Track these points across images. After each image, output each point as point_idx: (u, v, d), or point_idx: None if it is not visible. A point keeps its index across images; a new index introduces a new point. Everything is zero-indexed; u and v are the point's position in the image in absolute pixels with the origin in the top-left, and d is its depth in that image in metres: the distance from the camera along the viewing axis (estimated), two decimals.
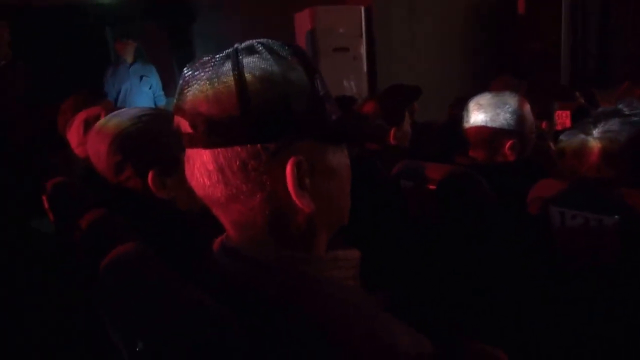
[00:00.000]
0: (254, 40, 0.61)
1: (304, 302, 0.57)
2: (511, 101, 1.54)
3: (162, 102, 4.45)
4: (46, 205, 1.32)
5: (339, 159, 0.64)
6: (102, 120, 1.14)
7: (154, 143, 1.05)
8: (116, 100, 4.26)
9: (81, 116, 1.72)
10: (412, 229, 1.44)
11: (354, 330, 0.55)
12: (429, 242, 1.38)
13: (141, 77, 4.41)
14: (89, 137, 1.15)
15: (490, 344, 0.72)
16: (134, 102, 4.30)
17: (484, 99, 1.57)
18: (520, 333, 1.15)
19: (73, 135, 1.72)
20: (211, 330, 0.54)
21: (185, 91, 0.60)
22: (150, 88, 4.47)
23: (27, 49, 3.36)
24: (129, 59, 4.39)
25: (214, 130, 0.57)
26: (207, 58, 0.61)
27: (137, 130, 1.08)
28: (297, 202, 0.59)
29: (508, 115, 1.52)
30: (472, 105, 1.58)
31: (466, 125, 1.59)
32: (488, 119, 1.53)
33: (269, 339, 0.53)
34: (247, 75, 0.57)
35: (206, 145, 0.58)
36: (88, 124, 1.67)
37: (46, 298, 1.07)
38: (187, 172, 0.63)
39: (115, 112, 1.15)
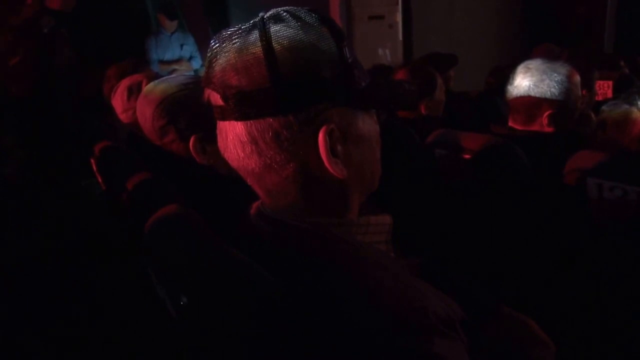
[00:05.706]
0: (280, 9, 0.60)
1: (340, 264, 0.59)
2: (561, 70, 1.49)
3: (198, 64, 4.52)
4: (94, 167, 1.38)
5: (369, 125, 0.64)
6: (150, 85, 1.18)
7: (197, 110, 1.08)
8: None
9: (124, 83, 1.75)
10: (445, 197, 1.44)
11: (386, 292, 0.55)
12: (462, 209, 1.38)
13: (182, 46, 4.51)
14: (138, 101, 1.19)
15: (523, 311, 0.73)
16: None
17: (534, 63, 1.52)
18: (553, 301, 1.15)
19: (117, 101, 1.76)
20: (253, 287, 0.56)
21: (214, 63, 0.60)
22: (189, 55, 4.57)
23: (70, 17, 3.42)
24: (170, 28, 4.48)
25: (245, 102, 0.57)
26: (233, 29, 0.60)
27: (182, 96, 1.12)
28: (330, 169, 0.59)
29: (553, 84, 1.47)
30: (520, 68, 1.54)
31: (509, 87, 1.55)
32: (532, 84, 1.49)
33: (310, 296, 0.54)
34: (275, 45, 0.56)
35: (238, 118, 0.58)
36: (131, 91, 1.71)
37: (94, 253, 1.13)
38: (221, 145, 0.63)
39: (163, 78, 1.19)
